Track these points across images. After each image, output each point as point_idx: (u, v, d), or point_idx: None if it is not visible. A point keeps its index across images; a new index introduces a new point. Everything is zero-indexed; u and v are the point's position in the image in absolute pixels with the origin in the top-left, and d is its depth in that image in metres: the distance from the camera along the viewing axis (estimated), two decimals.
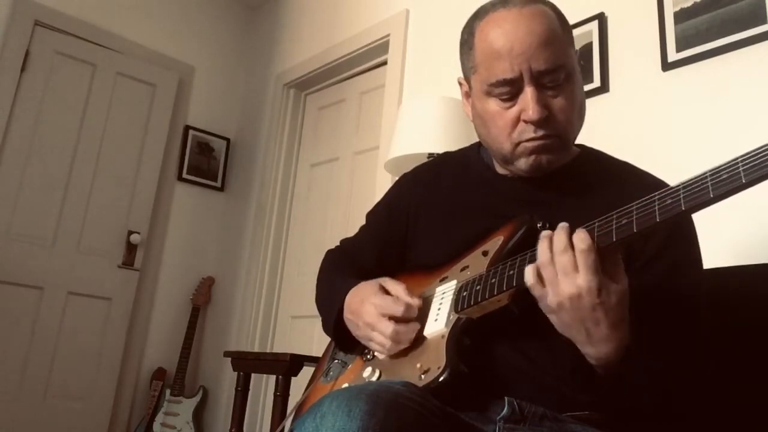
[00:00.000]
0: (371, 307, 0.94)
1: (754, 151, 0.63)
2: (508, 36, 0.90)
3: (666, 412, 0.85)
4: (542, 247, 0.77)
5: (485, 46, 0.93)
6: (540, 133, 0.91)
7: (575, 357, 0.87)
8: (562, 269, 0.74)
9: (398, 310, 0.91)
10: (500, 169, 1.06)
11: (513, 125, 0.93)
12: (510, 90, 0.92)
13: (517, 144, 0.94)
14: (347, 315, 1.01)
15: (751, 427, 1.06)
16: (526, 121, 0.91)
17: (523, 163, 0.95)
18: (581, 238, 0.74)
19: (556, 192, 0.99)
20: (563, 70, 0.91)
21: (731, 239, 1.54)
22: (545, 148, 0.93)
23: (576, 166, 1.02)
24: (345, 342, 1.04)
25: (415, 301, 0.92)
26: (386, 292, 0.96)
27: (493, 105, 0.94)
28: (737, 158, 0.65)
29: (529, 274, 0.77)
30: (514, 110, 0.92)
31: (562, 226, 0.77)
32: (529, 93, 0.90)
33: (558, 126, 0.92)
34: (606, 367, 0.79)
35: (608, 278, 0.74)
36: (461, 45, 1.01)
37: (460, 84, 1.06)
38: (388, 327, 0.91)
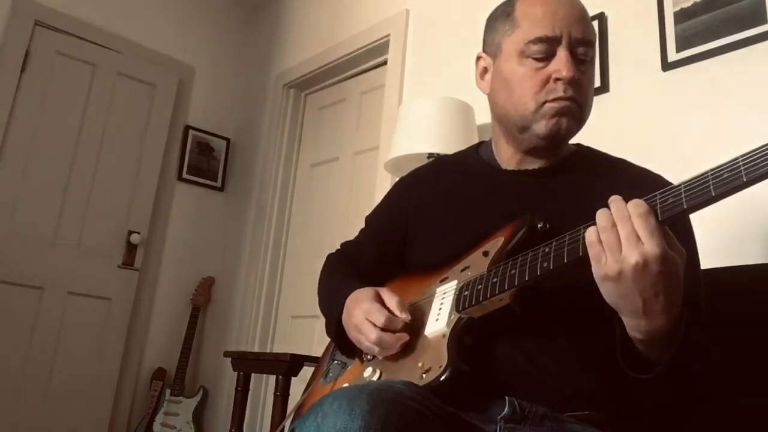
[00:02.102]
0: (360, 311, 0.95)
1: (754, 150, 0.64)
2: (551, 3, 0.98)
3: (690, 403, 0.85)
4: (602, 213, 0.74)
5: (529, 9, 0.99)
6: (569, 93, 0.95)
7: (582, 352, 0.87)
8: (625, 237, 0.71)
9: (380, 320, 0.91)
10: (501, 163, 1.07)
11: (542, 85, 0.97)
12: (547, 49, 0.96)
13: (543, 104, 0.97)
14: (344, 317, 1.01)
15: (751, 427, 1.06)
16: (557, 79, 0.95)
17: (542, 126, 0.97)
18: (636, 203, 0.72)
19: (556, 185, 1.00)
20: (592, 49, 0.99)
21: (730, 239, 1.54)
22: (568, 111, 0.96)
23: (574, 161, 1.04)
24: (346, 345, 1.04)
25: (402, 315, 0.92)
26: (380, 300, 0.96)
27: (525, 67, 0.98)
28: (737, 157, 0.65)
29: (591, 233, 0.74)
30: (546, 71, 0.97)
31: (617, 198, 0.75)
32: (563, 54, 0.95)
33: (581, 95, 0.97)
34: (654, 342, 0.76)
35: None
36: (493, 18, 1.06)
37: (479, 59, 1.09)
38: (372, 332, 0.92)
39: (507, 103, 1.01)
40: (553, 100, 0.96)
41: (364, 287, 1.02)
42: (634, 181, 0.99)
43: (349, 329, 0.99)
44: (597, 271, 0.74)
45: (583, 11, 1.00)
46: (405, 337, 0.92)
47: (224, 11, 3.86)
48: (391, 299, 0.95)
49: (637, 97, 1.85)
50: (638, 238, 0.70)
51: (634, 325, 0.76)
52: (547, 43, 0.96)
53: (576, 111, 0.97)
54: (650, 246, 0.70)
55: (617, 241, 0.72)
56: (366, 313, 0.94)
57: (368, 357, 0.99)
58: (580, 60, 0.97)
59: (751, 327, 1.10)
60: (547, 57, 0.96)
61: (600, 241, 0.73)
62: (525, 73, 0.98)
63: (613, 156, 1.09)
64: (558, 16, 0.96)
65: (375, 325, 0.92)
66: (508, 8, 1.03)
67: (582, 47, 0.97)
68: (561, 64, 0.95)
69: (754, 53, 1.62)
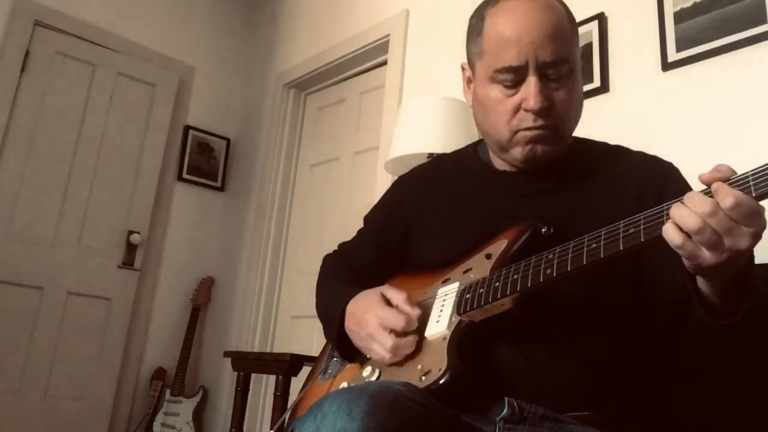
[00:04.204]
0: (373, 318, 0.93)
1: (763, 166, 0.64)
2: (518, 25, 0.92)
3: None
4: (685, 213, 0.68)
5: (494, 32, 0.95)
6: (539, 122, 0.93)
7: (582, 353, 0.87)
8: (725, 230, 0.66)
9: (399, 324, 0.90)
10: (497, 164, 1.07)
11: (513, 113, 0.95)
12: (514, 78, 0.93)
13: (516, 132, 0.95)
14: (349, 325, 0.99)
15: (751, 428, 1.06)
16: (526, 110, 0.93)
17: (518, 152, 0.97)
18: (724, 194, 0.66)
19: (553, 182, 1.00)
20: (567, 64, 0.93)
21: None
22: (541, 138, 0.95)
23: (570, 155, 1.04)
24: (348, 351, 1.03)
25: (415, 312, 0.91)
26: (388, 301, 0.95)
27: (496, 92, 0.96)
28: (747, 173, 0.66)
29: (677, 237, 0.68)
30: (516, 98, 0.94)
31: (694, 192, 0.69)
32: (532, 83, 0.92)
33: (556, 118, 0.94)
34: (732, 284, 0.74)
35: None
36: (469, 30, 1.03)
37: (463, 69, 1.08)
38: (388, 340, 0.90)
39: (485, 124, 1.01)
40: (525, 129, 0.94)
41: (363, 291, 1.00)
42: (633, 168, 0.99)
43: (359, 338, 0.96)
44: (689, 263, 0.71)
45: (551, 28, 0.92)
46: (416, 338, 0.90)
47: (224, 11, 3.86)
48: (398, 297, 0.94)
49: (637, 97, 1.85)
50: (737, 224, 0.67)
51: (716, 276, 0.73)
52: (513, 72, 0.93)
53: (550, 135, 0.95)
54: (757, 226, 0.67)
55: (716, 237, 0.67)
56: (381, 319, 0.91)
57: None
58: (554, 79, 0.93)
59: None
60: (517, 83, 0.93)
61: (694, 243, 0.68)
62: (497, 98, 0.96)
63: (610, 144, 1.08)
64: (522, 42, 0.91)
65: (391, 331, 0.90)
66: (479, 24, 0.99)
67: (553, 69, 0.92)
68: (528, 93, 0.92)
69: (754, 53, 1.62)
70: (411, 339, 0.90)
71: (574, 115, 0.98)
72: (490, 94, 0.97)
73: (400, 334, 0.90)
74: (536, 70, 0.92)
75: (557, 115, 0.94)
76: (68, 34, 3.21)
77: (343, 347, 1.02)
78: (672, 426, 0.94)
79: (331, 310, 1.05)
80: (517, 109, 0.94)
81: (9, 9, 3.04)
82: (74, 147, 3.15)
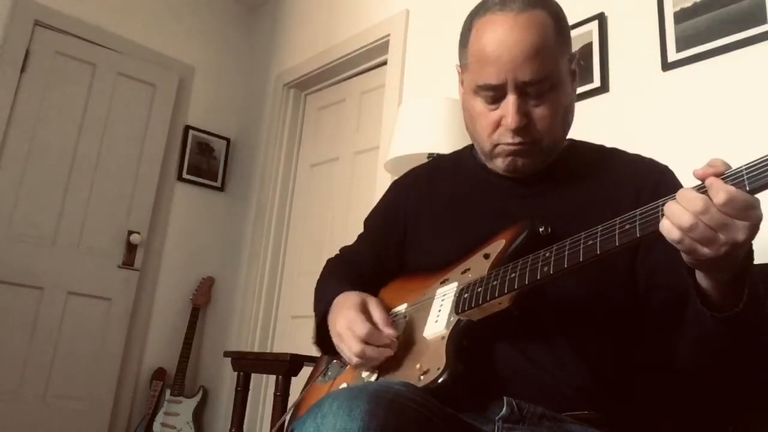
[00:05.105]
0: (343, 319, 0.93)
1: (757, 160, 0.64)
2: (499, 43, 0.92)
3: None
4: (678, 210, 0.68)
5: (477, 47, 0.96)
6: (517, 139, 0.95)
7: (581, 352, 0.87)
8: (719, 226, 0.67)
9: (362, 331, 0.89)
10: (492, 166, 1.07)
11: (494, 127, 0.96)
12: (494, 95, 0.95)
13: (496, 145, 0.97)
14: (330, 318, 1.00)
15: (750, 427, 1.06)
16: (505, 127, 0.94)
17: (500, 162, 0.99)
18: (716, 189, 0.66)
19: (550, 183, 1.01)
20: (549, 81, 0.93)
21: None
22: (521, 152, 0.97)
23: (566, 158, 1.04)
24: (324, 343, 1.03)
25: (387, 331, 0.90)
26: (366, 310, 0.94)
27: (479, 104, 0.97)
28: (741, 167, 0.66)
29: (674, 232, 0.68)
30: (497, 113, 0.96)
31: (686, 188, 0.70)
32: (510, 101, 0.93)
33: (536, 133, 0.95)
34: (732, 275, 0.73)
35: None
36: (461, 35, 1.04)
37: (458, 71, 1.08)
38: (355, 344, 0.90)
39: (472, 132, 1.03)
40: (505, 143, 0.96)
41: (354, 291, 1.00)
42: (629, 170, 1.00)
43: (332, 332, 0.97)
44: (689, 257, 0.71)
45: (533, 46, 0.90)
46: (389, 352, 0.90)
47: (224, 11, 3.86)
48: (376, 312, 0.93)
49: (637, 97, 1.85)
50: (730, 218, 0.66)
51: (719, 272, 0.73)
52: (493, 89, 0.94)
53: (531, 149, 0.96)
54: (750, 220, 0.67)
55: (710, 232, 0.67)
56: (349, 322, 0.92)
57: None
58: (534, 95, 0.93)
59: None
60: (497, 99, 0.94)
61: (692, 239, 0.68)
62: (480, 110, 0.97)
63: (606, 147, 1.09)
64: (502, 60, 0.91)
65: (358, 336, 0.90)
66: (467, 34, 1.00)
67: (532, 87, 0.92)
68: (507, 111, 0.93)
69: (754, 53, 1.62)
70: (379, 350, 0.90)
71: (557, 128, 0.97)
72: (474, 105, 0.98)
73: (370, 343, 0.90)
74: (515, 89, 0.92)
75: (537, 130, 0.95)
76: (68, 34, 3.21)
77: (320, 339, 1.03)
78: (670, 425, 0.95)
79: (321, 302, 1.06)
80: (498, 124, 0.96)
81: (9, 9, 3.04)
82: (74, 147, 3.15)
